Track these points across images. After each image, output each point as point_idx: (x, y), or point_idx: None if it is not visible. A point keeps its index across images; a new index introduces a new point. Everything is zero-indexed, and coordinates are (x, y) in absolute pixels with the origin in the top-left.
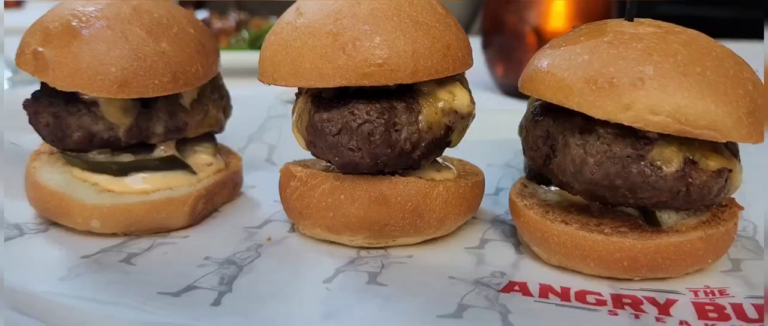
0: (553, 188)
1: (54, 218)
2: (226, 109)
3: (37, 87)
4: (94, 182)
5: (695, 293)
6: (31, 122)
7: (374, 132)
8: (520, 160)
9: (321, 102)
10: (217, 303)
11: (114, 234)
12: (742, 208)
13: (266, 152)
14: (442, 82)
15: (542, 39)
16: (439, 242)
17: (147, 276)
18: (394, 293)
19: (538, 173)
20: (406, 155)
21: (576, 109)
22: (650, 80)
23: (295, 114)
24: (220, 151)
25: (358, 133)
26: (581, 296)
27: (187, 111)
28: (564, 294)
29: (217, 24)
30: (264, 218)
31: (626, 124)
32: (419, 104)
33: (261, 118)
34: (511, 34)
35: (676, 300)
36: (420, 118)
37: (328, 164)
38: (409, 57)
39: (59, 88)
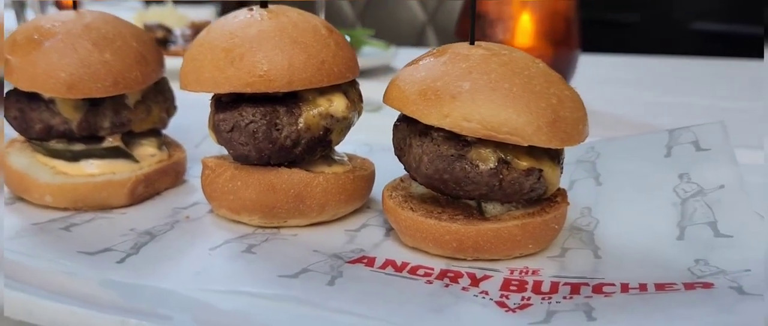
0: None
1: (18, 193)
2: (169, 109)
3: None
4: (52, 166)
5: (511, 271)
6: (4, 115)
7: (258, 130)
8: None
9: (219, 104)
10: (121, 261)
11: (65, 209)
12: (568, 204)
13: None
14: (324, 91)
15: None
16: (326, 225)
17: (76, 240)
18: (257, 259)
19: None
20: (287, 150)
21: (410, 115)
22: (465, 93)
23: (209, 116)
24: (167, 144)
25: (246, 131)
26: (414, 269)
27: (131, 109)
28: (401, 267)
29: None
30: (193, 201)
31: (447, 128)
32: (300, 108)
33: None
34: None
35: (491, 276)
36: (299, 119)
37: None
38: (285, 70)
39: (22, 89)
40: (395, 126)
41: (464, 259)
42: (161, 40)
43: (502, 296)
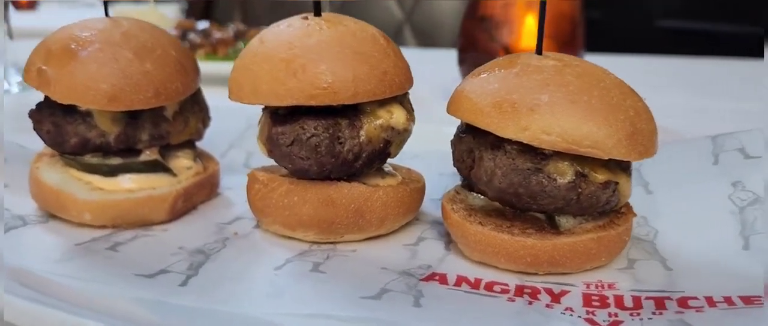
0: (478, 194)
1: (53, 211)
2: (204, 120)
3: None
4: (87, 181)
5: (588, 285)
6: (34, 129)
7: (320, 144)
8: None
9: (277, 117)
10: (184, 284)
11: (103, 227)
12: (635, 215)
13: (244, 157)
14: (383, 103)
15: None
16: (382, 239)
17: (127, 261)
18: (329, 279)
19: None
20: (348, 164)
21: (485, 128)
22: (544, 106)
23: (259, 127)
24: (201, 156)
25: (307, 144)
26: (490, 286)
27: (170, 121)
28: (475, 284)
29: (217, 34)
30: (235, 215)
31: (525, 141)
32: (361, 121)
33: (241, 127)
34: (483, 51)
35: (569, 291)
36: (361, 132)
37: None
38: (349, 82)
39: (59, 101)
40: (458, 138)
41: (535, 273)
42: None
43: (588, 313)
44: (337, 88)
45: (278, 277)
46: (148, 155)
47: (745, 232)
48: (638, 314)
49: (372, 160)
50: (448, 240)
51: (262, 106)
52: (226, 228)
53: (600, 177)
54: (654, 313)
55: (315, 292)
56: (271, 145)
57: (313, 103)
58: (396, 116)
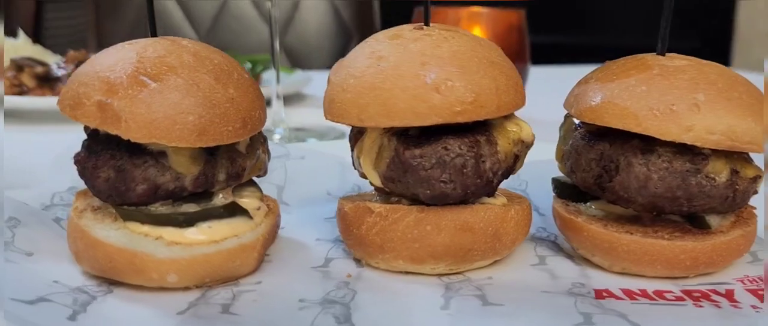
0: (590, 204)
1: (120, 277)
2: (268, 153)
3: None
4: (157, 236)
5: (741, 282)
6: (85, 177)
7: (466, 164)
8: None
9: (409, 139)
10: None
11: (186, 288)
12: (755, 208)
13: (275, 193)
14: (508, 116)
15: None
16: (502, 263)
17: (257, 323)
18: (515, 310)
19: (570, 191)
20: (489, 184)
21: (643, 133)
22: (704, 105)
23: (363, 153)
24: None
25: (452, 166)
26: (660, 294)
27: (244, 156)
28: (647, 295)
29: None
30: (322, 257)
31: (689, 143)
32: (494, 136)
33: None
34: None
35: (733, 289)
36: (497, 148)
37: (392, 198)
38: (493, 94)
39: (134, 140)
40: (585, 147)
41: (685, 277)
42: (42, 77)
43: None
44: (482, 101)
45: (454, 318)
46: (223, 198)
47: None
48: None
49: (505, 177)
50: (566, 255)
51: (355, 132)
52: (329, 271)
53: (750, 172)
54: None
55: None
56: (400, 171)
57: (458, 119)
58: (524, 129)
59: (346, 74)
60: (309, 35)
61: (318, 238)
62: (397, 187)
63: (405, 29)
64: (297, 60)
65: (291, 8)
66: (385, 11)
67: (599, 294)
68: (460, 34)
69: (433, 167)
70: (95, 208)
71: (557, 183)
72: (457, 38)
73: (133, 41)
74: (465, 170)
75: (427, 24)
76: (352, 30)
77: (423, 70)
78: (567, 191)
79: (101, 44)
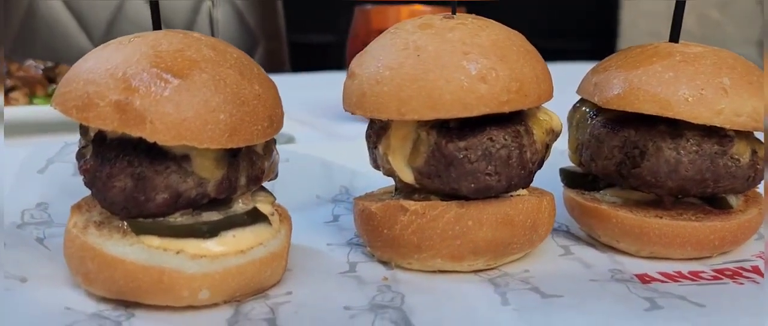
0: (604, 192)
1: (143, 298)
2: (278, 153)
3: None
4: (178, 249)
5: (761, 257)
6: (95, 187)
7: (511, 155)
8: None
9: (451, 132)
10: None
11: (214, 305)
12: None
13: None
14: (537, 106)
15: None
16: (530, 257)
17: None
18: (579, 301)
19: (581, 180)
20: (530, 175)
21: (676, 117)
22: (731, 89)
23: (391, 150)
24: None
25: (497, 157)
26: (696, 274)
27: (263, 157)
28: (686, 276)
29: (21, 73)
30: (344, 262)
31: (719, 125)
32: (530, 126)
33: None
34: None
35: (757, 265)
36: (534, 138)
37: (415, 195)
38: (534, 82)
39: (160, 143)
40: (607, 134)
41: (709, 257)
42: None
43: None
44: (526, 90)
45: (522, 314)
46: (244, 204)
47: None
48: None
49: (541, 167)
50: (586, 243)
51: (373, 127)
52: (359, 276)
53: (763, 152)
54: None
55: (585, 316)
56: (442, 165)
57: (505, 109)
58: (554, 118)
59: (378, 66)
60: None
61: (329, 243)
62: (434, 183)
63: (434, 18)
64: None
65: (192, 12)
66: (290, 17)
67: (643, 279)
68: (492, 23)
69: (479, 159)
70: (98, 223)
71: (566, 174)
72: (491, 27)
73: (139, 34)
74: (510, 161)
75: (454, 12)
76: (257, 36)
77: (466, 59)
78: (577, 181)
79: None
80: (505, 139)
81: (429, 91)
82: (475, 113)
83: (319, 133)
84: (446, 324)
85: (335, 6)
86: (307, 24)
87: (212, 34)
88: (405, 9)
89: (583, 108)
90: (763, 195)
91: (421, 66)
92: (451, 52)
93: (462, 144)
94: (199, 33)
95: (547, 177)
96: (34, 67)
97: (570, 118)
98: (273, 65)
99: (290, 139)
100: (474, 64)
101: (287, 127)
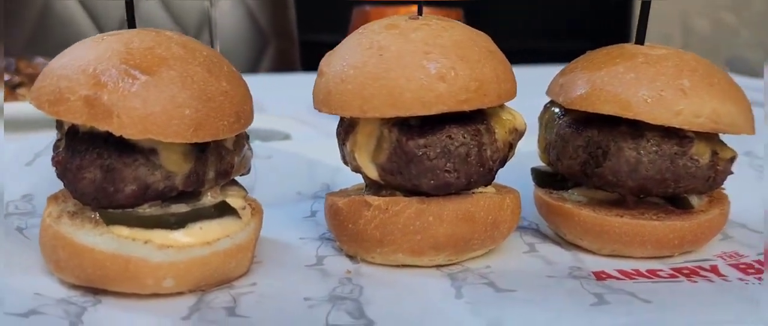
0: (572, 191)
1: (110, 285)
2: (251, 150)
3: None
4: (145, 239)
5: (721, 257)
6: (66, 179)
7: (470, 153)
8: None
9: (412, 129)
10: None
11: (179, 294)
12: (724, 189)
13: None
14: (501, 106)
15: None
16: (494, 253)
17: (269, 324)
18: (531, 296)
19: (550, 179)
20: (489, 172)
21: (636, 118)
22: (690, 90)
23: (357, 147)
24: None
25: (456, 155)
26: (653, 273)
27: (232, 152)
28: (642, 274)
29: (29, 70)
30: (313, 255)
31: (677, 126)
32: (492, 125)
33: None
34: None
35: (717, 265)
36: (495, 137)
37: (383, 191)
38: (495, 82)
39: (127, 136)
40: (572, 134)
41: (670, 256)
42: None
43: (759, 279)
44: (486, 89)
45: (474, 307)
46: (212, 197)
47: None
48: None
49: (502, 166)
50: (552, 242)
51: (343, 124)
52: (324, 268)
53: (727, 153)
54: None
55: (540, 311)
56: (403, 162)
57: (464, 107)
58: (518, 118)
59: (344, 65)
60: (224, 40)
61: (302, 237)
62: (397, 179)
63: (399, 19)
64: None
65: (205, 12)
66: (301, 17)
67: (599, 276)
68: (457, 24)
69: (438, 156)
70: (72, 213)
71: (537, 173)
72: (455, 28)
73: (114, 32)
74: (469, 159)
75: (420, 13)
76: (269, 35)
77: (427, 59)
78: (547, 180)
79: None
80: (465, 137)
81: (390, 90)
82: (433, 111)
83: (317, 131)
84: (399, 315)
85: (347, 5)
86: (319, 23)
87: (210, 34)
88: (403, 9)
89: (553, 108)
90: (721, 200)
91: (384, 65)
92: (412, 51)
93: (422, 141)
94: (174, 32)
95: (522, 176)
96: (42, 64)
97: (540, 118)
98: (284, 64)
99: (286, 137)
100: (434, 63)
101: (285, 125)
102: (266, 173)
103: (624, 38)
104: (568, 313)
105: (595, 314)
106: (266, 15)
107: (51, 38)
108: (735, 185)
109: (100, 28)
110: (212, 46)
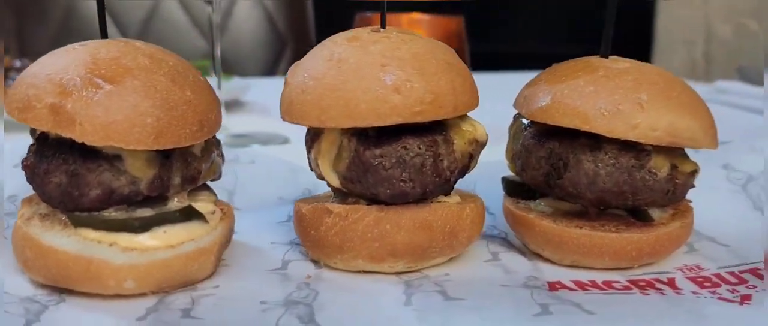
0: (539, 201)
1: (74, 285)
2: (222, 156)
3: None
4: (111, 242)
5: (681, 270)
6: (34, 182)
7: (425, 163)
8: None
9: (369, 140)
10: None
11: (142, 295)
12: (690, 201)
13: (226, 197)
14: (462, 117)
15: None
16: (457, 261)
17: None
18: (477, 304)
19: (519, 189)
20: (446, 182)
21: (592, 131)
22: (647, 104)
23: (321, 155)
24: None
25: (411, 165)
26: (609, 284)
27: (199, 159)
28: (597, 285)
29: None
30: (279, 259)
31: (634, 140)
32: (451, 136)
33: None
34: None
35: (674, 278)
36: (454, 148)
37: (349, 199)
38: (451, 95)
39: (89, 143)
40: (534, 146)
41: (629, 268)
42: None
43: (713, 293)
44: (441, 101)
45: (422, 313)
46: (179, 202)
47: (758, 204)
48: (752, 285)
49: (461, 176)
50: (519, 251)
51: (310, 134)
52: (287, 273)
53: (687, 167)
54: (762, 280)
55: (481, 320)
56: (361, 171)
57: (418, 119)
58: (478, 129)
59: (305, 76)
60: (242, 42)
61: (273, 242)
62: (356, 188)
63: (363, 31)
64: (230, 67)
65: (224, 15)
66: (319, 20)
67: (552, 287)
68: (418, 37)
69: (393, 166)
70: (43, 215)
71: (507, 182)
72: (415, 40)
73: (84, 43)
74: (424, 169)
75: (383, 26)
76: (286, 38)
77: (383, 71)
78: (516, 190)
79: (23, 50)
80: (420, 148)
81: (346, 101)
82: (388, 122)
83: None
84: (347, 320)
85: (363, 9)
86: (336, 27)
87: (212, 39)
88: (405, 16)
89: (521, 119)
90: (693, 210)
91: (341, 77)
92: (370, 64)
93: (378, 151)
94: (145, 42)
95: (495, 186)
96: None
97: (510, 129)
98: None
99: (285, 140)
100: (390, 75)
101: (286, 130)
102: (249, 178)
103: (646, 43)
104: (508, 323)
105: (536, 324)
106: (284, 18)
107: (75, 37)
108: (709, 198)
109: (121, 29)
110: (213, 51)
